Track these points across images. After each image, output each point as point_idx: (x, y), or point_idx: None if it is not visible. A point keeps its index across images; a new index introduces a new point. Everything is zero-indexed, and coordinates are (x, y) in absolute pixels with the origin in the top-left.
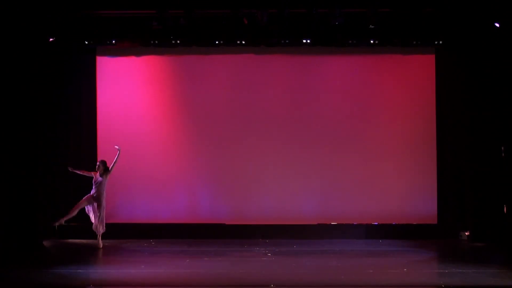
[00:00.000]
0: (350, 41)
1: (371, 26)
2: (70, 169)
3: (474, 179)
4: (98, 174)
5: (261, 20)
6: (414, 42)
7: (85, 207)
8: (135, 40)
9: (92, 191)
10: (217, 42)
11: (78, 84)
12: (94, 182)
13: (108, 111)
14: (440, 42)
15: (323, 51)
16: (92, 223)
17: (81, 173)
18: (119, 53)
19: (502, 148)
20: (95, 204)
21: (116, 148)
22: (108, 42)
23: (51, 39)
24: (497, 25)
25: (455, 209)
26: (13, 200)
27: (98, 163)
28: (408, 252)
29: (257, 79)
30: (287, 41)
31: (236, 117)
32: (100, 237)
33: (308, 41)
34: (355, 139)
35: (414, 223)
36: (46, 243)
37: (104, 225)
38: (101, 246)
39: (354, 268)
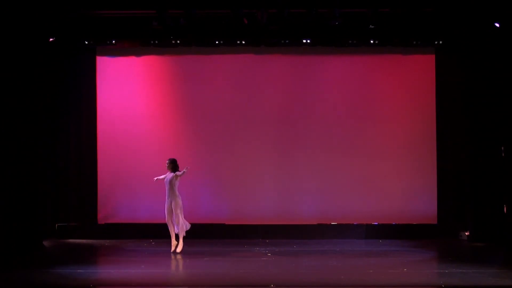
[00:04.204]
0: (350, 41)
1: (371, 26)
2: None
3: (474, 179)
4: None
5: (261, 20)
6: (414, 42)
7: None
8: (135, 40)
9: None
10: (217, 42)
11: (78, 84)
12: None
13: (108, 111)
14: (440, 42)
15: (323, 51)
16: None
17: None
18: (119, 53)
19: (502, 148)
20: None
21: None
22: (108, 42)
23: (51, 39)
24: (497, 25)
25: (455, 209)
26: (13, 200)
27: (167, 161)
28: (408, 252)
29: (257, 79)
30: (287, 41)
31: (236, 117)
32: (181, 239)
33: (308, 41)
34: (355, 139)
35: (414, 223)
36: (46, 243)
37: (181, 225)
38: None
39: (354, 268)
